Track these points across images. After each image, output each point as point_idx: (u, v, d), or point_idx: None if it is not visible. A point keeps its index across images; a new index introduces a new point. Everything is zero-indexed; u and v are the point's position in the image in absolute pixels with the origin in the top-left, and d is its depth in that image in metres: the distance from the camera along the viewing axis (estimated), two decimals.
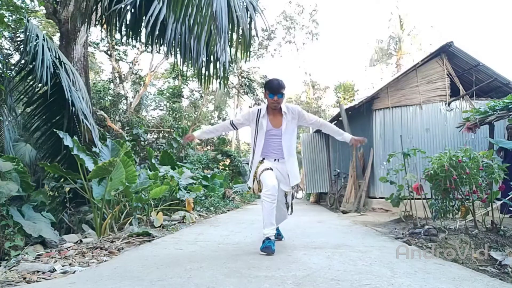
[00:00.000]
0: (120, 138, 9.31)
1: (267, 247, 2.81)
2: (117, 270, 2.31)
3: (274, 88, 3.00)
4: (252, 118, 3.15)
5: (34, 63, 4.29)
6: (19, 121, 5.82)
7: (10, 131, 5.28)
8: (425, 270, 2.36)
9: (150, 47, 6.09)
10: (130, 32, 4.60)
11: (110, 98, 13.50)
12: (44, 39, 4.47)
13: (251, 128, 3.20)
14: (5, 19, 4.94)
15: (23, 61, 4.77)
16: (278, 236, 3.50)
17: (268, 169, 3.02)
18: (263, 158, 3.13)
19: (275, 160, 3.13)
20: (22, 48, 4.70)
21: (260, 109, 3.15)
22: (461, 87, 8.40)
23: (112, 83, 16.06)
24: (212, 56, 4.76)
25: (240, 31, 4.35)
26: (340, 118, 9.70)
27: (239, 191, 11.58)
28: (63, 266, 2.51)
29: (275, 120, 3.13)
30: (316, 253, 2.92)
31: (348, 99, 23.82)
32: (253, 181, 3.11)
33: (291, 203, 3.32)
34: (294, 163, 3.21)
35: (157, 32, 4.13)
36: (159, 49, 5.18)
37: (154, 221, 4.54)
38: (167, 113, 16.97)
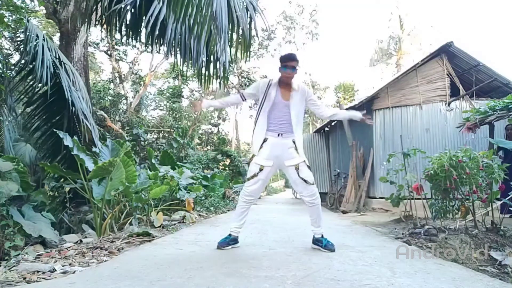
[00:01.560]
0: (120, 138, 9.32)
1: (222, 242, 3.05)
2: (117, 270, 2.31)
3: (287, 61, 3.00)
4: (262, 88, 3.11)
5: (34, 63, 4.29)
6: (19, 121, 5.81)
7: (10, 131, 5.27)
8: (425, 270, 2.36)
9: (150, 47, 6.08)
10: (130, 32, 4.60)
11: (110, 98, 13.50)
12: (44, 39, 4.46)
13: (259, 99, 3.14)
14: (5, 19, 4.93)
15: (23, 61, 4.77)
16: (325, 246, 3.02)
17: (257, 174, 3.02)
18: (265, 139, 3.04)
19: (278, 135, 3.05)
20: (22, 48, 4.71)
21: (271, 79, 3.12)
22: (461, 87, 8.40)
23: (112, 83, 16.07)
24: (212, 56, 4.76)
25: (240, 31, 4.35)
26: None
27: (239, 191, 11.57)
28: (63, 266, 2.51)
29: (284, 93, 3.08)
30: (316, 253, 2.92)
31: (348, 99, 23.84)
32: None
33: (310, 178, 3.08)
34: (301, 138, 3.14)
35: (157, 32, 4.13)
36: (159, 49, 5.18)
37: (154, 221, 4.54)
38: (167, 113, 16.97)
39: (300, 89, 3.13)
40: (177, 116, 16.06)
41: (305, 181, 3.03)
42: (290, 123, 3.04)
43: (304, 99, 3.14)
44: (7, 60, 6.66)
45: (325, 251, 2.96)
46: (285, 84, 3.09)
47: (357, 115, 3.30)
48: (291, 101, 3.07)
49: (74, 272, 2.34)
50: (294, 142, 3.05)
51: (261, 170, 3.02)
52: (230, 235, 3.11)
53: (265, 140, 3.05)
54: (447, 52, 8.38)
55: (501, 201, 3.55)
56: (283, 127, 3.05)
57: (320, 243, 3.05)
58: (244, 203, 3.10)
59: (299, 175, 3.03)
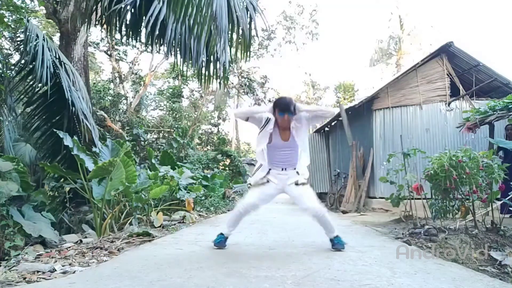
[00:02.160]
0: (120, 138, 9.32)
1: (221, 242, 3.09)
2: (117, 270, 2.31)
3: (283, 106, 2.95)
4: (262, 120, 3.06)
5: (34, 63, 4.29)
6: (19, 121, 5.81)
7: (10, 131, 5.27)
8: (425, 270, 2.36)
9: (150, 47, 6.08)
10: (130, 32, 4.60)
11: (110, 98, 13.50)
12: (44, 39, 4.46)
13: (259, 128, 3.12)
14: (5, 19, 4.93)
15: (23, 61, 4.77)
16: (337, 244, 3.05)
17: (262, 183, 3.06)
18: (269, 170, 3.07)
19: (282, 169, 3.07)
20: (22, 48, 4.71)
21: (269, 119, 3.02)
22: (461, 87, 8.40)
23: (112, 83, 16.07)
24: (212, 56, 4.76)
25: (240, 31, 4.35)
26: (340, 118, 9.70)
27: (239, 191, 11.57)
28: (63, 266, 2.51)
29: (284, 133, 3.06)
30: (316, 253, 2.92)
31: (348, 99, 23.84)
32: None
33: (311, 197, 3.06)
34: (305, 161, 3.14)
35: (157, 32, 4.13)
36: (159, 49, 5.18)
37: (154, 221, 4.54)
38: (167, 113, 16.97)
39: (297, 120, 3.06)
40: (177, 116, 16.06)
41: (302, 184, 3.03)
42: (294, 157, 3.07)
43: (303, 124, 3.08)
44: (7, 60, 6.66)
45: (336, 250, 2.97)
46: (284, 127, 3.06)
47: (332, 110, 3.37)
48: (291, 140, 3.05)
49: (74, 272, 2.34)
50: (296, 170, 3.06)
51: (268, 182, 3.05)
52: (222, 234, 3.14)
53: (270, 170, 3.08)
54: (447, 52, 8.38)
55: (501, 201, 3.55)
56: (286, 163, 3.07)
57: (332, 243, 3.05)
58: (239, 212, 3.11)
59: (297, 183, 3.03)
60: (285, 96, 3.09)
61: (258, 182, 3.08)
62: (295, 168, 3.06)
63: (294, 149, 3.06)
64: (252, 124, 3.17)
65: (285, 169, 3.06)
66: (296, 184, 3.02)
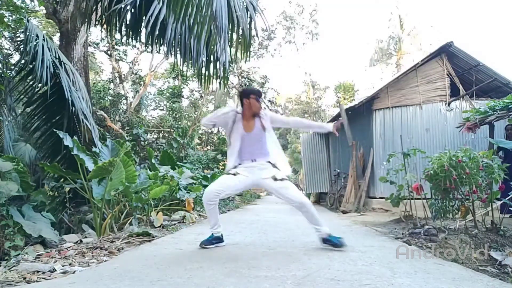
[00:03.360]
0: (120, 138, 9.31)
1: (205, 241, 3.14)
2: (117, 270, 2.31)
3: (260, 93, 3.24)
4: (229, 119, 3.20)
5: (34, 63, 4.29)
6: (19, 121, 5.82)
7: (10, 131, 5.27)
8: (425, 270, 2.36)
9: (150, 47, 6.08)
10: (130, 32, 4.59)
11: (110, 98, 13.49)
12: (44, 39, 4.46)
13: (227, 129, 3.25)
14: (5, 19, 4.93)
15: (23, 61, 4.77)
16: (329, 241, 3.05)
17: (232, 173, 3.12)
18: (239, 164, 3.17)
19: (252, 161, 3.15)
20: (22, 48, 4.71)
21: (237, 114, 3.20)
22: (461, 87, 8.40)
23: (112, 83, 16.05)
24: (212, 56, 4.76)
25: (240, 31, 4.34)
26: (340, 118, 9.70)
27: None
28: (63, 266, 2.51)
29: (249, 124, 3.18)
30: (316, 253, 2.92)
31: (348, 99, 23.83)
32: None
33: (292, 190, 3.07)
34: (279, 156, 3.20)
35: (157, 32, 4.13)
36: (159, 49, 5.18)
37: (154, 221, 4.54)
38: (167, 113, 16.96)
39: (264, 114, 3.24)
40: (177, 116, 16.05)
41: (281, 180, 3.05)
42: (263, 148, 3.16)
43: (269, 121, 3.22)
44: (7, 60, 6.66)
45: (338, 250, 2.97)
46: (249, 116, 3.18)
47: (329, 127, 3.47)
48: (256, 130, 3.17)
49: (74, 272, 2.34)
50: (270, 162, 3.14)
51: (235, 175, 3.11)
52: (212, 234, 3.18)
53: (239, 164, 3.17)
54: (447, 52, 8.39)
55: (501, 201, 3.55)
56: (255, 154, 3.16)
57: (330, 242, 3.04)
58: (205, 204, 3.12)
59: (276, 178, 3.05)
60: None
61: (230, 172, 3.15)
62: (269, 161, 3.13)
63: (261, 139, 3.17)
64: (221, 127, 3.28)
65: (255, 160, 3.15)
66: (275, 179, 3.04)
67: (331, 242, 3.03)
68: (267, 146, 3.17)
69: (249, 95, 3.17)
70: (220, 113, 3.23)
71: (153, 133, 14.58)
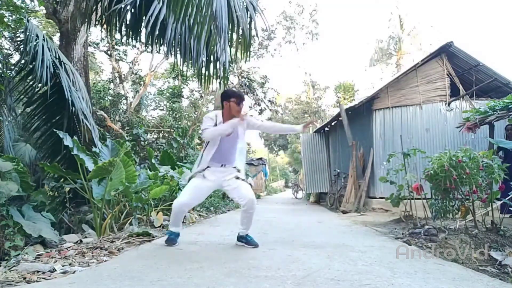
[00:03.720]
0: (120, 138, 9.31)
1: (169, 239, 3.22)
2: (117, 270, 2.31)
3: (242, 96, 3.21)
4: (212, 122, 3.21)
5: (34, 63, 4.28)
6: (19, 121, 5.82)
7: (10, 131, 5.27)
8: (425, 270, 2.37)
9: (150, 47, 6.09)
10: (130, 32, 4.59)
11: (110, 98, 13.49)
12: (44, 39, 4.46)
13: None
14: (5, 19, 4.93)
15: (23, 61, 4.77)
16: (249, 242, 3.25)
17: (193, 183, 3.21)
18: (207, 167, 3.21)
19: (222, 165, 3.23)
20: (22, 48, 4.70)
21: (217, 115, 3.24)
22: (461, 87, 8.40)
23: (112, 83, 16.05)
24: (212, 56, 4.76)
25: (240, 31, 4.34)
26: (340, 118, 9.71)
27: None
28: (63, 266, 2.51)
29: (230, 119, 3.20)
30: (316, 253, 2.92)
31: (348, 99, 23.84)
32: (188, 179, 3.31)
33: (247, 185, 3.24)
34: (243, 164, 3.37)
35: (157, 32, 4.13)
36: (159, 49, 5.18)
37: (154, 221, 4.54)
38: (167, 113, 16.95)
39: (243, 122, 3.28)
40: (177, 116, 16.04)
41: (242, 180, 3.19)
42: (233, 154, 3.26)
43: (245, 125, 3.29)
44: (7, 60, 6.66)
45: (250, 247, 3.15)
46: (228, 119, 3.20)
47: (299, 128, 3.46)
48: (239, 133, 3.25)
49: (74, 272, 2.34)
50: (235, 168, 3.25)
51: (204, 177, 3.18)
52: (172, 232, 3.27)
53: (208, 167, 3.22)
54: (447, 52, 8.38)
55: (501, 201, 3.55)
56: (225, 160, 3.24)
57: (245, 239, 3.25)
58: (176, 210, 3.17)
59: (238, 177, 3.20)
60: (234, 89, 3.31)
61: (195, 176, 3.22)
62: (234, 167, 3.24)
63: (235, 145, 3.24)
64: None
65: (224, 165, 3.23)
66: (237, 177, 3.19)
67: (246, 240, 3.22)
68: (236, 152, 3.27)
69: (230, 98, 3.18)
70: (211, 122, 3.22)
71: (153, 133, 14.57)
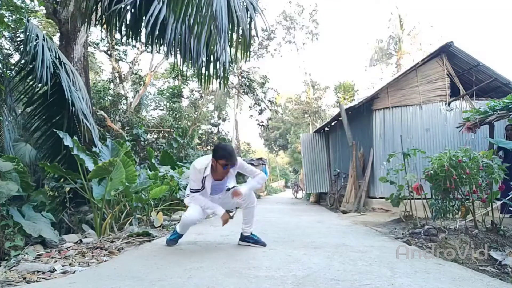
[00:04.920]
0: (120, 138, 9.31)
1: (171, 240, 3.26)
2: (117, 270, 2.31)
3: (233, 161, 3.01)
4: (200, 176, 3.10)
5: (34, 63, 4.29)
6: (19, 121, 5.82)
7: (10, 131, 5.27)
8: (425, 270, 2.36)
9: (150, 47, 6.09)
10: (130, 32, 4.59)
11: (110, 98, 13.49)
12: (44, 39, 4.46)
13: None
14: (5, 19, 4.94)
15: (23, 61, 4.77)
16: (257, 241, 3.30)
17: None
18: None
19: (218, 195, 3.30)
20: (22, 48, 4.71)
21: (206, 167, 3.07)
22: (461, 87, 8.40)
23: (112, 83, 16.06)
24: (212, 56, 4.76)
25: (240, 31, 4.34)
26: (340, 118, 9.71)
27: None
28: (63, 266, 2.51)
29: (217, 175, 3.14)
30: (316, 253, 2.92)
31: (348, 99, 23.84)
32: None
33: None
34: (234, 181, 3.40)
35: (157, 32, 4.12)
36: (159, 49, 5.17)
37: (154, 221, 4.54)
38: (167, 113, 16.96)
39: (232, 171, 3.25)
40: (177, 116, 16.05)
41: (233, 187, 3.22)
42: (224, 187, 3.28)
43: (235, 170, 3.26)
44: (7, 60, 6.66)
45: (258, 246, 3.19)
46: (216, 176, 3.15)
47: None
48: (224, 180, 3.22)
49: (74, 272, 2.34)
50: (228, 189, 3.28)
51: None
52: (178, 234, 3.29)
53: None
54: (447, 52, 8.38)
55: (501, 201, 3.55)
56: (220, 192, 3.30)
57: (252, 239, 3.28)
58: (187, 221, 3.17)
59: (229, 188, 3.25)
60: (228, 145, 3.22)
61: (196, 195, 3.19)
62: (228, 189, 3.27)
63: (224, 184, 3.27)
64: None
65: (219, 196, 3.30)
66: (228, 189, 3.25)
67: (253, 240, 3.27)
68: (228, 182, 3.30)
69: (219, 159, 3.00)
70: (198, 175, 3.10)
71: (153, 133, 14.58)
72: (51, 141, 4.89)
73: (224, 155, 2.98)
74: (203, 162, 3.07)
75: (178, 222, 5.09)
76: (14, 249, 2.92)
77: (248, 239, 3.28)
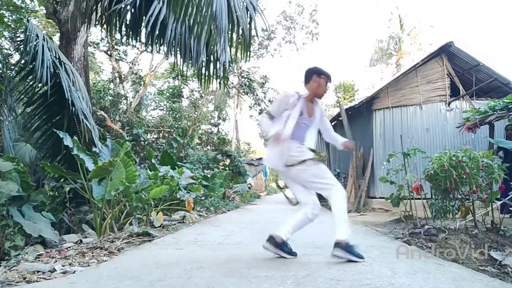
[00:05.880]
0: (120, 138, 9.31)
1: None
2: (117, 270, 2.31)
3: (330, 75, 2.78)
4: (288, 100, 2.75)
5: (34, 63, 4.28)
6: (19, 121, 5.82)
7: (10, 131, 5.27)
8: (425, 270, 2.36)
9: (150, 47, 6.09)
10: (130, 32, 4.60)
11: (110, 98, 13.50)
12: (44, 39, 4.46)
13: (283, 113, 2.77)
14: (5, 19, 4.94)
15: (23, 61, 4.77)
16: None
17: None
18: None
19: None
20: (22, 48, 4.70)
21: (300, 94, 2.79)
22: (461, 87, 8.40)
23: (112, 83, 16.07)
24: (212, 56, 4.76)
25: (240, 31, 4.34)
26: (340, 118, 9.70)
27: (239, 191, 11.57)
28: (63, 266, 2.51)
29: (308, 109, 2.81)
30: (316, 253, 2.92)
31: (348, 99, 23.85)
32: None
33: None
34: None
35: (157, 32, 4.13)
36: (159, 49, 5.18)
37: (154, 221, 4.54)
38: (167, 113, 16.97)
39: (320, 106, 2.96)
40: (177, 116, 16.06)
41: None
42: (305, 141, 2.82)
43: (320, 115, 2.92)
44: (7, 60, 6.66)
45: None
46: (312, 99, 2.86)
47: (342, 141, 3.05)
48: (316, 117, 2.87)
49: (74, 272, 2.34)
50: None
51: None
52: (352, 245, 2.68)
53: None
54: (447, 52, 8.38)
55: (501, 201, 3.55)
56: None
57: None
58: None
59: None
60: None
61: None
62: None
63: (307, 128, 2.81)
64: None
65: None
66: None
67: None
68: (308, 138, 2.84)
69: (321, 74, 2.77)
70: (283, 105, 2.75)
71: (153, 133, 14.59)
72: (51, 141, 4.89)
73: (323, 71, 2.78)
74: (297, 91, 2.75)
75: (178, 222, 5.14)
76: (14, 249, 2.92)
77: (284, 247, 2.75)
